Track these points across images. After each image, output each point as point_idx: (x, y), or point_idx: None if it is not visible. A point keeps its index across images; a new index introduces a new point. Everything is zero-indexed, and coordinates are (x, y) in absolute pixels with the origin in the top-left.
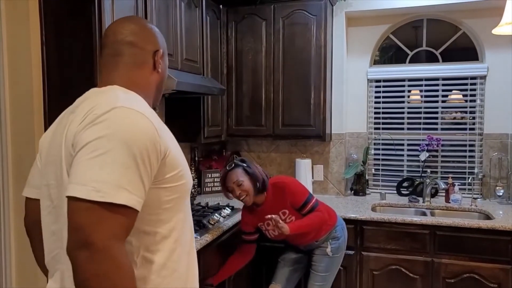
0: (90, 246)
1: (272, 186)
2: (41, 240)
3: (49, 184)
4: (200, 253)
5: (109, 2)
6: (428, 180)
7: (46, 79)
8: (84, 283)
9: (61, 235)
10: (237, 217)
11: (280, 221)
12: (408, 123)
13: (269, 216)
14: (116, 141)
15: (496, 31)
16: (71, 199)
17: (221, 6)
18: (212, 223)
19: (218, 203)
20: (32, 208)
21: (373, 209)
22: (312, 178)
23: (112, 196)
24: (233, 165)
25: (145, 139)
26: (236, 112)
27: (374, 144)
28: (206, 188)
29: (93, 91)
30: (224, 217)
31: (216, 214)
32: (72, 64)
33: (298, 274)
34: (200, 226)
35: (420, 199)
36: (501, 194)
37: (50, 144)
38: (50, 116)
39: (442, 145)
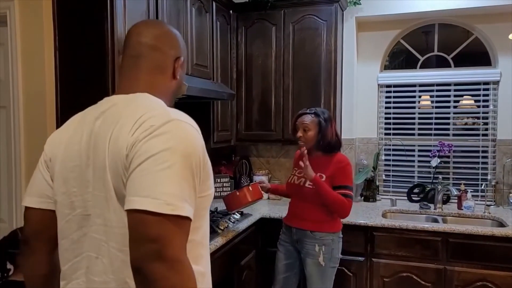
0: (167, 258)
1: (337, 155)
2: (40, 251)
3: (69, 191)
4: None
5: (121, 8)
6: (439, 187)
7: (59, 83)
8: None
9: (84, 241)
10: (246, 222)
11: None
12: (419, 129)
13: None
14: (179, 154)
15: None
16: (138, 212)
17: (231, 11)
18: (222, 228)
19: None
20: (33, 218)
21: (384, 215)
22: None
23: (180, 208)
24: (313, 111)
25: (198, 152)
26: (246, 117)
27: (385, 149)
28: (215, 193)
29: (120, 97)
30: (233, 222)
31: (225, 219)
32: (84, 68)
33: (292, 281)
34: (209, 231)
35: (432, 205)
36: None
37: (68, 150)
38: (62, 119)
39: (454, 151)
